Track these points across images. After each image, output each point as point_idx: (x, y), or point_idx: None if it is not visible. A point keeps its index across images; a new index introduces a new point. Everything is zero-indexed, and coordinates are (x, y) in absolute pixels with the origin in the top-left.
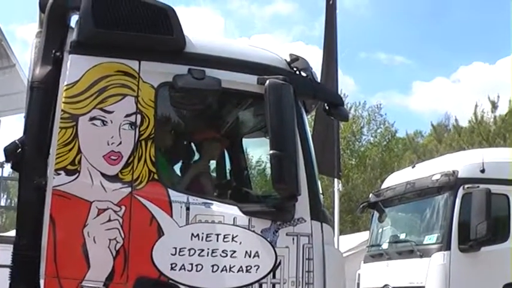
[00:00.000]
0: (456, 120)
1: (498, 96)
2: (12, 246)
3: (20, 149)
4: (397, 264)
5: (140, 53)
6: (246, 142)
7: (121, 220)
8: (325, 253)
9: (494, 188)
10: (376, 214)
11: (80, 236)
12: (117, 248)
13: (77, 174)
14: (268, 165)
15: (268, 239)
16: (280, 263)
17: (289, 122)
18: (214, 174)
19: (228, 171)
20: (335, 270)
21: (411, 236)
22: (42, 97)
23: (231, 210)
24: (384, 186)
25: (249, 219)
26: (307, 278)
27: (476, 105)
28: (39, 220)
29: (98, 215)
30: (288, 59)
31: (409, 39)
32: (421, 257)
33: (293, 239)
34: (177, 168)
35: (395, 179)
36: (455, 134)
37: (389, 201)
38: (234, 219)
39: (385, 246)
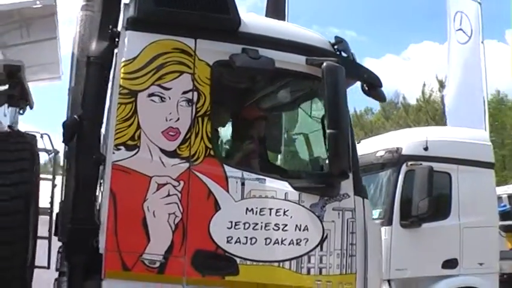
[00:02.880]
0: (404, 98)
1: (446, 76)
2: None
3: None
4: None
5: (196, 31)
6: (293, 120)
7: (180, 195)
8: (367, 227)
9: (437, 166)
10: None
11: (140, 210)
12: (176, 222)
13: (137, 149)
14: (314, 142)
15: (316, 214)
16: (327, 236)
17: (344, 103)
18: (266, 151)
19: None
20: (375, 243)
21: None
22: (99, 72)
23: (282, 186)
24: None
25: (299, 195)
26: (350, 251)
27: (424, 84)
28: (95, 194)
29: (157, 189)
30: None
31: (361, 15)
32: None
33: (338, 213)
34: (231, 144)
35: None
36: (403, 112)
37: None
38: (285, 194)
39: None
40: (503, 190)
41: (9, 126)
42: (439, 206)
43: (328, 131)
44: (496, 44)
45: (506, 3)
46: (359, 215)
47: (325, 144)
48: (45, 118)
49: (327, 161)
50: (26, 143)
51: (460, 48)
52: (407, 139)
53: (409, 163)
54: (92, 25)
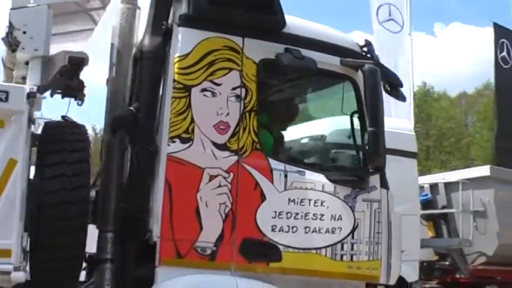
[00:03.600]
0: None
1: None
2: None
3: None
4: None
5: (244, 30)
6: (326, 116)
7: (230, 186)
8: (390, 217)
9: None
10: None
11: (194, 200)
12: (226, 212)
13: (191, 142)
14: (345, 137)
15: (349, 204)
16: (357, 225)
17: (382, 103)
18: (305, 145)
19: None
20: (397, 232)
21: None
22: (153, 66)
23: (320, 178)
24: None
25: (334, 187)
26: (377, 239)
27: None
28: (148, 184)
29: (209, 180)
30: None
31: (289, 2)
32: None
33: (367, 204)
34: (273, 138)
35: None
36: None
37: None
38: (322, 186)
39: None
40: (426, 180)
41: (62, 117)
42: None
43: (369, 129)
44: (425, 37)
45: None
46: (384, 206)
47: (353, 139)
48: None
49: (363, 156)
50: (81, 134)
51: (392, 37)
52: (332, 127)
53: (333, 151)
54: (133, 18)
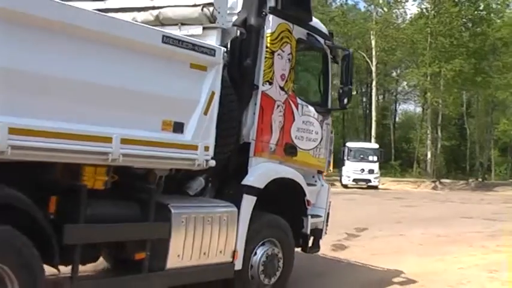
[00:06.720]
0: None
1: None
2: None
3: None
4: None
5: (294, 20)
6: (314, 72)
7: (283, 112)
8: (331, 133)
9: None
10: None
11: (271, 118)
12: (281, 127)
13: (272, 85)
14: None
15: (321, 125)
16: (322, 138)
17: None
18: (307, 90)
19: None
20: (332, 143)
21: None
22: (256, 37)
23: (313, 109)
24: None
25: (317, 115)
26: (326, 145)
27: None
28: (244, 108)
29: (277, 108)
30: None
31: None
32: None
33: (326, 125)
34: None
35: None
36: None
37: None
38: (314, 114)
39: None
40: None
41: None
42: None
43: (349, 86)
44: None
45: None
46: (330, 126)
47: (325, 88)
48: None
49: (338, 98)
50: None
51: None
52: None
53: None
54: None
